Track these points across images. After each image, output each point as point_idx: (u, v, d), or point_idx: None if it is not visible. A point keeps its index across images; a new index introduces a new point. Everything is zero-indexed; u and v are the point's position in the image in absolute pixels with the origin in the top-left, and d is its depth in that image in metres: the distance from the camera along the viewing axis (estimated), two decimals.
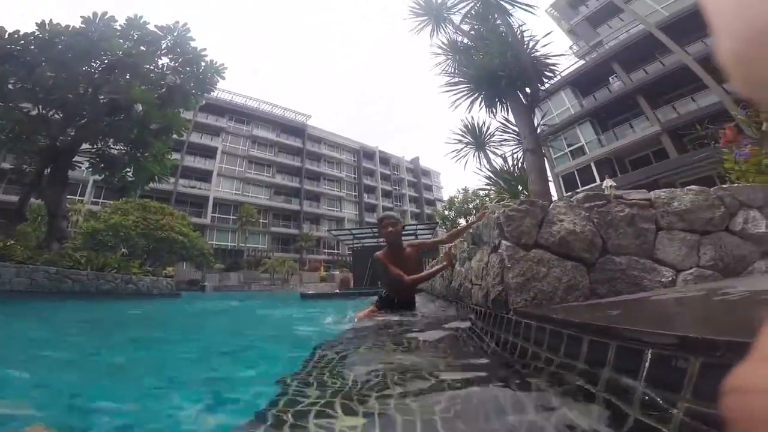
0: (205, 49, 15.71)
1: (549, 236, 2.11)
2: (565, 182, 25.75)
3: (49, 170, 13.98)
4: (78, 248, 15.00)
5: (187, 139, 34.03)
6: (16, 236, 13.73)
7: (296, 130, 50.11)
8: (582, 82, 25.31)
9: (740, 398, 0.26)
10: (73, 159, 14.71)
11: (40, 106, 13.71)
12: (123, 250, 18.03)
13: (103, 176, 15.72)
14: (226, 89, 43.72)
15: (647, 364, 0.90)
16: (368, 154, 57.23)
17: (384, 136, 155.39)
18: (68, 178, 14.60)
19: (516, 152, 6.68)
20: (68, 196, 15.87)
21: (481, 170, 7.06)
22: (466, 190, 31.46)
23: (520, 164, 6.38)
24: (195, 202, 37.72)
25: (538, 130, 6.06)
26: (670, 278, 2.10)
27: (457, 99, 6.61)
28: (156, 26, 14.97)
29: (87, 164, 15.71)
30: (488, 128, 7.36)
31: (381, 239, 22.62)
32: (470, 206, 30.24)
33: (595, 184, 21.43)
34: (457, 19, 6.78)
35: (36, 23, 13.15)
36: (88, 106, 13.80)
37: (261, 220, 40.29)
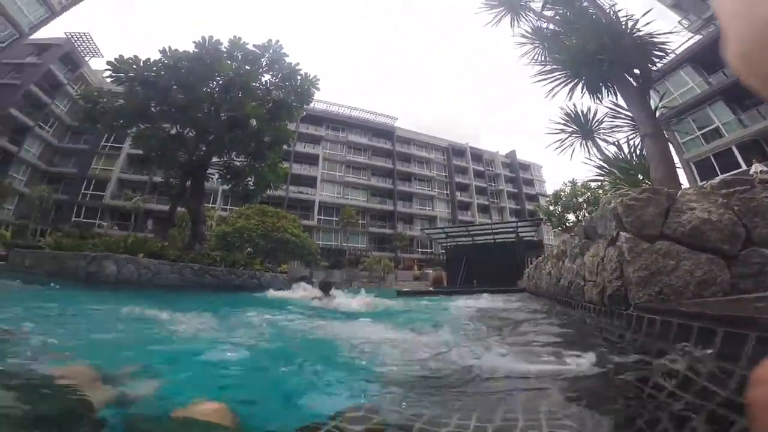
0: (298, 63, 16.74)
1: (678, 226, 1.94)
2: (699, 169, 21.90)
3: (189, 182, 16.48)
4: (213, 248, 17.60)
5: (293, 148, 37.58)
6: (168, 239, 16.66)
7: (385, 132, 51.80)
8: (704, 58, 21.26)
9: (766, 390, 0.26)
10: (207, 171, 17.14)
11: (177, 126, 16.05)
12: (248, 249, 20.73)
13: (229, 186, 18.11)
14: (320, 99, 47.16)
15: None
16: (458, 151, 56.15)
17: (476, 132, 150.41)
18: (205, 189, 17.12)
19: (632, 138, 6.00)
20: (205, 204, 18.61)
21: (590, 160, 6.48)
22: (573, 182, 28.72)
23: (638, 151, 5.72)
24: (303, 206, 41.44)
25: (657, 113, 5.39)
26: None
27: (554, 87, 6.23)
28: (254, 45, 16.26)
29: (217, 176, 18.29)
30: (594, 115, 6.72)
31: (476, 238, 22.06)
32: (580, 200, 27.56)
33: (740, 170, 17.86)
34: (537, 6, 6.40)
35: (159, 50, 14.97)
36: (213, 123, 15.70)
37: (360, 221, 42.49)
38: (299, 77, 16.81)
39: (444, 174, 53.64)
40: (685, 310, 1.43)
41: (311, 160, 44.85)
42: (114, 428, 1.13)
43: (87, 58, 37.83)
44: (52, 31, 31.90)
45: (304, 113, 20.07)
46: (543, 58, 6.56)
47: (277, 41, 16.40)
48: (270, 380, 1.98)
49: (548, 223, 30.68)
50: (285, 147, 18.78)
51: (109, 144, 37.72)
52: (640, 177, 5.33)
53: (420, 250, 46.15)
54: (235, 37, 16.05)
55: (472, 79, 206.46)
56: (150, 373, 1.91)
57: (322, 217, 41.94)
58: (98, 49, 38.04)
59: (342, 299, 7.93)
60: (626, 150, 6.00)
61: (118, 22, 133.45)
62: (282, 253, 23.41)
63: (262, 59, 16.47)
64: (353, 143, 48.73)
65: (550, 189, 44.79)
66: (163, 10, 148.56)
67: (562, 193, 29.76)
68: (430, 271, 33.73)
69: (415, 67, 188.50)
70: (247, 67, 16.06)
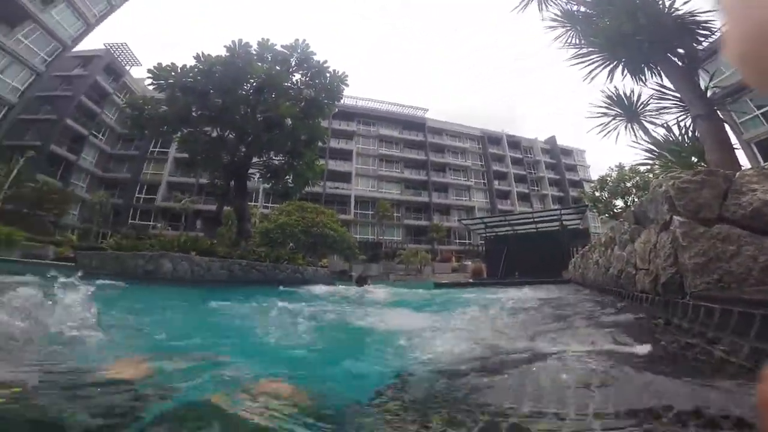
0: (326, 61, 16.92)
1: (737, 209, 1.83)
2: (761, 150, 20.00)
3: (233, 183, 17.26)
4: (258, 245, 18.36)
5: (328, 145, 38.19)
6: (216, 238, 17.58)
7: (416, 124, 51.41)
8: None
9: None
10: (248, 171, 17.85)
11: (218, 129, 16.75)
12: (291, 244, 21.47)
13: (270, 184, 18.78)
14: (349, 95, 47.41)
15: None
16: (494, 139, 54.66)
17: (512, 121, 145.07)
18: (247, 188, 17.86)
19: (682, 120, 5.63)
20: (248, 203, 19.42)
21: (637, 143, 6.14)
22: (620, 166, 27.12)
23: (690, 133, 5.37)
24: (340, 200, 42.18)
25: (709, 93, 5.04)
26: None
27: (593, 70, 5.98)
28: (282, 46, 16.59)
29: (257, 175, 19.01)
30: (639, 97, 6.36)
31: (516, 228, 21.46)
32: (628, 185, 26.01)
33: None
34: None
35: (193, 56, 15.54)
36: (251, 124, 16.27)
37: (395, 214, 42.63)
38: (328, 74, 17.02)
39: (480, 163, 52.51)
40: (748, 298, 1.37)
41: (345, 155, 45.44)
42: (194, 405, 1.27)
43: (128, 68, 40.04)
44: (92, 43, 34.39)
45: (336, 110, 20.29)
46: (577, 42, 6.32)
47: (304, 40, 16.64)
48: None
49: (594, 210, 29.21)
50: (320, 144, 19.15)
51: (156, 149, 40.22)
52: (694, 159, 5.01)
53: (458, 241, 45.62)
54: (263, 39, 16.44)
55: (502, 68, 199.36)
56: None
57: (358, 211, 42.49)
58: (137, 58, 40.15)
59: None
60: (676, 132, 5.64)
61: (144, 31, 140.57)
62: (322, 248, 24.03)
63: (291, 59, 16.81)
64: (385, 136, 48.82)
65: (595, 174, 42.61)
66: (163, 12, 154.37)
67: (609, 178, 28.20)
68: (469, 263, 33.28)
69: (441, 59, 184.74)
70: (277, 67, 16.42)
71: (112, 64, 37.90)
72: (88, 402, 1.27)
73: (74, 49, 29.97)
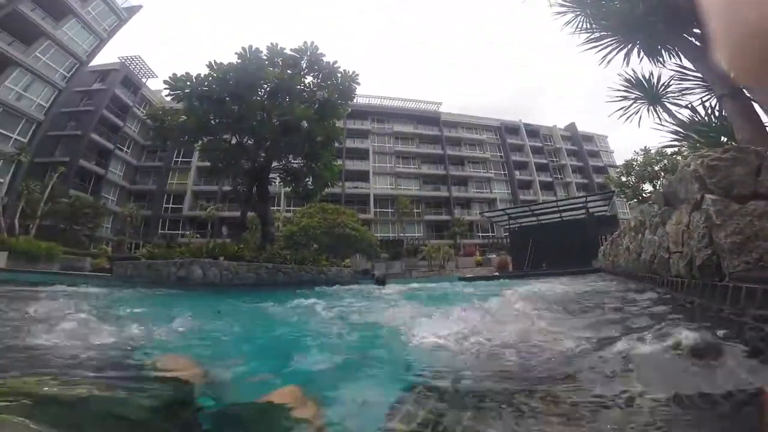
0: (336, 62, 16.99)
1: None
2: None
3: (255, 188, 17.59)
4: (282, 248, 18.71)
5: (344, 145, 38.42)
6: (242, 242, 17.99)
7: (431, 119, 51.05)
8: None
9: None
10: (269, 176, 18.16)
11: (237, 136, 17.05)
12: (314, 246, 21.79)
13: (290, 187, 19.06)
14: (362, 93, 47.38)
15: None
16: (511, 129, 53.68)
17: (529, 110, 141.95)
18: (269, 193, 18.19)
19: (707, 99, 5.41)
20: (271, 207, 19.78)
21: (662, 125, 5.94)
22: (646, 150, 26.17)
23: (716, 112, 5.15)
24: (359, 200, 42.42)
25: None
26: None
27: (607, 54, 5.84)
28: (291, 49, 16.69)
29: (278, 179, 19.33)
30: (659, 79, 6.14)
31: (541, 217, 21.17)
32: (656, 168, 25.09)
33: None
34: None
35: (206, 65, 15.74)
36: (268, 129, 16.50)
37: (414, 210, 42.52)
38: (339, 75, 17.09)
39: (499, 154, 51.71)
40: None
41: (362, 154, 45.63)
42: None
43: (144, 80, 41.03)
44: (107, 57, 35.53)
45: (350, 109, 20.38)
46: (588, 26, 6.17)
47: (312, 42, 16.74)
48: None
49: (622, 196, 28.32)
50: (337, 144, 19.28)
51: (180, 159, 41.48)
52: (724, 139, 4.81)
53: (480, 234, 45.10)
54: (272, 43, 16.57)
55: (515, 58, 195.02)
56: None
57: (377, 210, 42.61)
58: (151, 70, 41.02)
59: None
60: (702, 112, 5.42)
61: (153, 42, 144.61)
62: (344, 247, 24.28)
63: (302, 62, 16.91)
64: (399, 133, 48.72)
65: (620, 160, 41.22)
66: (162, 23, 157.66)
67: (635, 163, 27.27)
68: (494, 256, 32.89)
69: (449, 52, 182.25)
70: (288, 71, 16.57)
71: (129, 77, 38.81)
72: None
73: (91, 64, 30.96)
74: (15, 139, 24.35)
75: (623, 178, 28.53)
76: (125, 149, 39.21)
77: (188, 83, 15.70)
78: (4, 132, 23.80)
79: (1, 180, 23.55)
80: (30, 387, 1.19)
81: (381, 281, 13.81)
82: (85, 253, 24.10)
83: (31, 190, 24.59)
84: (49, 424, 0.82)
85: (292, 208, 36.85)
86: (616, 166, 41.22)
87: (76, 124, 33.05)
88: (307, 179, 18.52)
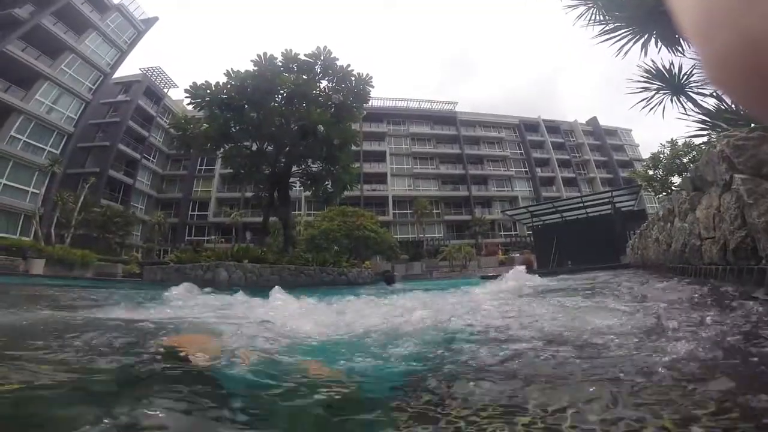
0: (350, 65, 17.19)
1: None
2: None
3: (276, 193, 17.94)
4: (304, 251, 18.99)
5: (361, 148, 38.64)
6: (265, 246, 18.37)
7: (447, 118, 50.71)
8: None
9: None
10: (290, 180, 18.47)
11: (257, 142, 17.40)
12: (335, 248, 22.01)
13: (311, 191, 19.35)
14: (376, 96, 47.44)
15: None
16: (531, 126, 52.73)
17: (550, 106, 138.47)
18: (290, 197, 18.50)
19: None
20: (292, 211, 20.10)
21: (687, 115, 5.72)
22: (673, 142, 25.22)
23: None
24: (378, 202, 42.53)
25: None
26: None
27: (623, 45, 5.69)
28: (305, 55, 16.97)
29: (298, 183, 19.64)
30: (680, 68, 5.92)
31: (565, 214, 20.73)
32: (684, 160, 24.13)
33: None
34: None
35: (224, 73, 16.21)
36: (287, 134, 16.81)
37: (434, 211, 42.28)
38: (353, 78, 17.28)
39: (519, 151, 50.88)
40: None
41: (379, 157, 45.74)
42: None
43: (166, 90, 42.21)
44: (129, 69, 36.54)
45: (365, 112, 20.52)
46: (601, 18, 6.03)
47: (326, 47, 16.94)
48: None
49: (650, 190, 27.34)
50: (354, 147, 19.43)
51: (203, 167, 42.66)
52: (753, 126, 4.60)
53: (503, 233, 44.43)
54: (286, 50, 16.91)
55: (530, 55, 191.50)
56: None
57: (396, 211, 42.61)
58: (172, 80, 42.22)
59: None
60: (729, 100, 5.20)
61: (171, 53, 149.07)
62: (363, 249, 24.41)
63: (316, 66, 17.18)
64: (416, 134, 48.61)
65: (645, 153, 39.86)
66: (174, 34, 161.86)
67: (662, 155, 26.31)
68: (517, 255, 32.31)
69: (462, 50, 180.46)
70: (304, 76, 16.85)
71: (151, 87, 39.97)
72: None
73: (114, 76, 32.13)
74: (48, 151, 25.52)
75: (650, 172, 27.56)
76: (151, 159, 40.53)
77: (208, 91, 16.18)
78: (38, 144, 24.97)
79: (37, 191, 24.74)
80: None
81: (388, 280, 14.52)
82: (117, 259, 25.07)
83: (65, 201, 25.82)
84: None
85: (312, 212, 37.31)
86: (642, 160, 39.83)
87: (104, 136, 34.41)
88: (326, 182, 18.73)
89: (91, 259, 19.76)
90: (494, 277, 16.22)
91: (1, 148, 22.43)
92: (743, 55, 0.24)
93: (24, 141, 24.05)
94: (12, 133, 23.37)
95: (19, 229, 23.32)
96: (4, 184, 22.81)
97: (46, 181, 25.31)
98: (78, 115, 27.86)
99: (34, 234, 22.65)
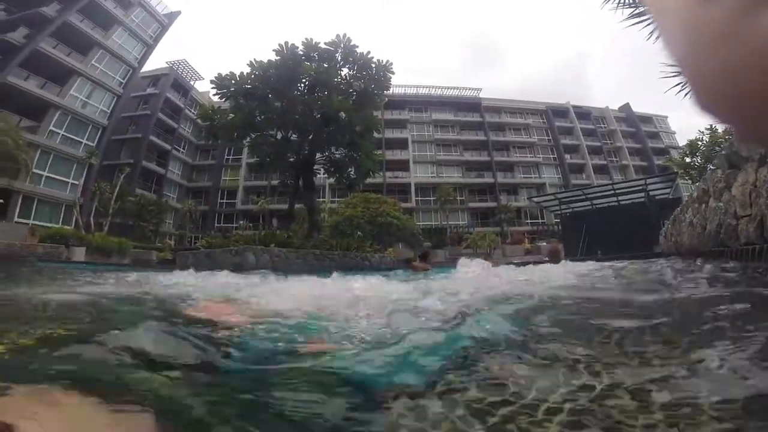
0: (370, 52, 17.08)
1: None
2: None
3: (301, 180, 18.20)
4: (328, 236, 19.30)
5: (384, 136, 38.52)
6: (291, 231, 18.77)
7: (471, 105, 49.73)
8: None
9: None
10: (314, 168, 18.70)
11: (282, 130, 17.64)
12: (359, 233, 22.25)
13: (334, 178, 19.53)
14: (397, 83, 46.74)
15: None
16: (559, 111, 50.88)
17: (579, 94, 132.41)
18: (315, 184, 18.76)
19: None
20: (317, 198, 20.38)
21: None
22: (712, 128, 23.82)
23: None
24: (400, 189, 42.46)
25: None
26: None
27: (654, 30, 5.39)
28: (326, 43, 16.94)
29: (322, 170, 19.85)
30: None
31: (595, 202, 20.05)
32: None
33: None
34: None
35: (247, 63, 16.38)
36: (310, 122, 16.96)
37: (458, 198, 41.83)
38: (373, 65, 17.20)
39: (547, 138, 49.34)
40: None
41: (401, 144, 45.49)
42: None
43: (192, 82, 43.32)
44: (156, 63, 37.60)
45: (386, 99, 20.39)
46: (631, 0, 5.73)
47: (345, 35, 16.86)
48: None
49: (687, 178, 26.05)
50: (376, 135, 19.40)
51: (231, 157, 43.81)
52: None
53: (529, 221, 43.54)
54: (307, 39, 16.94)
55: (557, 41, 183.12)
56: None
57: (419, 198, 42.44)
58: (197, 72, 43.26)
59: None
60: None
61: (196, 45, 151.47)
62: (386, 236, 24.52)
63: (336, 54, 17.16)
64: (439, 121, 47.87)
65: (683, 140, 37.79)
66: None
67: (700, 143, 24.93)
68: (544, 243, 31.59)
69: (486, 38, 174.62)
70: (325, 65, 16.89)
71: (179, 80, 41.15)
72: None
73: (142, 70, 33.24)
74: (84, 143, 26.82)
75: (687, 159, 26.24)
76: (181, 149, 41.98)
77: (233, 82, 16.48)
78: (75, 138, 26.25)
79: (76, 182, 26.12)
80: None
81: (424, 256, 14.76)
82: (152, 246, 26.28)
83: (102, 191, 27.17)
84: None
85: (336, 199, 37.71)
86: (679, 147, 37.83)
87: (136, 128, 35.85)
88: (349, 169, 18.87)
89: (128, 246, 20.81)
90: (519, 265, 16.00)
91: (42, 142, 23.69)
92: (727, 83, 0.24)
93: (62, 135, 25.31)
94: (51, 127, 24.65)
95: (61, 218, 24.71)
96: (46, 177, 24.15)
97: (84, 173, 26.68)
98: (111, 108, 29.08)
99: (75, 223, 24.03)
